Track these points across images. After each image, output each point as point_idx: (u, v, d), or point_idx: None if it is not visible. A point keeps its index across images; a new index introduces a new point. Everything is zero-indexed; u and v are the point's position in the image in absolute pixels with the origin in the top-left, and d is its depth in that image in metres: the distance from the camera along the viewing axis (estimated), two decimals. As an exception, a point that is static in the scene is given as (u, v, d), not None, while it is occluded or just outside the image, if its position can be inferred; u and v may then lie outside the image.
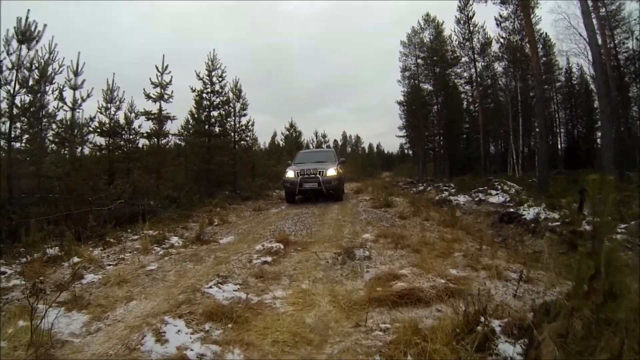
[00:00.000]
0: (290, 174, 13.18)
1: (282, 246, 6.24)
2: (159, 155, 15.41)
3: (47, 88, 11.00)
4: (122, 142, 14.85)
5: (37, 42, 9.54)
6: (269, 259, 5.64)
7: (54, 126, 11.53)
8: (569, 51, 31.69)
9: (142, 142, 15.48)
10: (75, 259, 6.33)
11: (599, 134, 35.55)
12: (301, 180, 12.81)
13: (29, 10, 9.10)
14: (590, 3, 14.66)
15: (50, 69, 10.84)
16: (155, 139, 15.32)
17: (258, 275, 4.92)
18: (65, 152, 11.97)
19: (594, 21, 16.21)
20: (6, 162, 9.43)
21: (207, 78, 16.61)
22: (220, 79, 16.68)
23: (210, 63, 16.48)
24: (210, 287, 4.53)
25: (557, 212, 10.22)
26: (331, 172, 12.89)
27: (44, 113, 10.76)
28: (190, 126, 17.33)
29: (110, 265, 6.17)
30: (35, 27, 9.42)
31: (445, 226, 7.86)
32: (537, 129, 19.25)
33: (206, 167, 16.07)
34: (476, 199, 14.75)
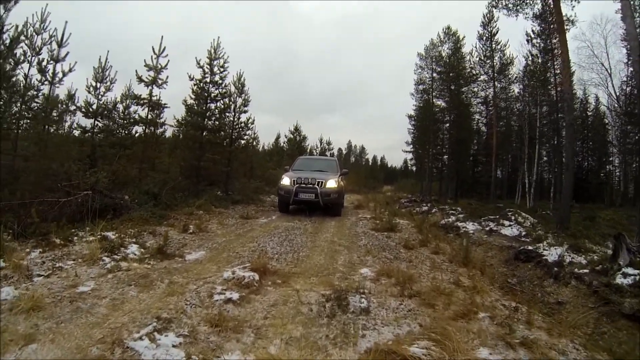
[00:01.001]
0: (285, 181, 11.98)
1: (257, 277, 4.86)
2: (151, 145, 14.19)
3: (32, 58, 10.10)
4: (113, 126, 13.73)
5: (16, 3, 8.64)
6: (235, 295, 4.30)
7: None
8: (588, 81, 30.58)
9: (137, 129, 14.33)
10: None
11: (611, 167, 34.44)
12: (297, 190, 11.58)
13: None
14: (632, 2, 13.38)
15: (39, 39, 10.10)
16: (150, 127, 14.08)
17: (214, 322, 3.60)
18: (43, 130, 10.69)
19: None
20: None
21: (208, 67, 15.05)
22: (221, 69, 15.25)
23: (212, 51, 15.00)
24: (141, 337, 3.28)
25: (583, 255, 9.02)
26: (331, 184, 11.68)
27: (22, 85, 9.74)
28: (185, 117, 15.91)
29: (40, 276, 4.95)
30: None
31: (459, 264, 6.53)
32: (564, 158, 17.91)
33: (196, 164, 14.72)
34: (487, 228, 13.41)
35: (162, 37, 13.48)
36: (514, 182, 31.00)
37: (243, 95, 16.86)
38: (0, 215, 7.25)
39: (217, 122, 15.56)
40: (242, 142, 18.23)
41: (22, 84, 9.99)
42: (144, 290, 4.51)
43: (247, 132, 17.72)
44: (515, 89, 30.61)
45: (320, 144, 38.82)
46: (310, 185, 11.52)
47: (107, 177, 10.63)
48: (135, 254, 6.09)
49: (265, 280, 4.94)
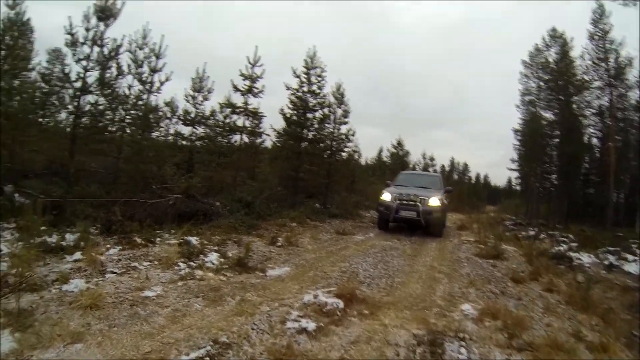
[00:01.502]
0: (386, 196, 11.28)
1: (341, 305, 4.22)
2: (250, 154, 14.28)
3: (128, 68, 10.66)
4: (212, 134, 13.96)
5: (115, 19, 9.13)
6: (312, 324, 3.69)
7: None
8: None
9: (236, 138, 14.37)
10: (77, 256, 5.38)
11: None
12: (398, 206, 10.85)
13: None
14: None
15: (141, 53, 10.84)
16: (250, 136, 14.18)
17: (279, 356, 3.06)
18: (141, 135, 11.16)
19: None
20: (70, 135, 8.62)
21: (305, 76, 14.60)
22: (319, 78, 14.77)
23: (309, 60, 14.70)
24: (190, 360, 2.82)
25: None
26: (434, 201, 10.83)
27: (120, 93, 10.23)
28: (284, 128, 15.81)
29: (113, 273, 4.96)
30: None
31: (577, 307, 5.37)
32: None
33: (294, 175, 14.45)
34: (605, 261, 11.58)
35: (256, 47, 13.54)
36: (633, 206, 27.10)
37: (343, 105, 16.09)
38: (94, 210, 7.51)
39: (316, 133, 15.18)
40: (344, 154, 17.54)
41: (125, 93, 10.60)
42: (211, 305, 4.10)
43: (348, 144, 17.04)
44: (635, 95, 26.43)
45: (423, 160, 37.48)
46: (412, 203, 10.76)
47: (201, 182, 10.73)
48: (213, 263, 5.76)
49: (351, 309, 4.26)
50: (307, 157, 14.80)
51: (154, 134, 12.05)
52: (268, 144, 15.29)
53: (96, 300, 3.78)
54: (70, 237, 6.07)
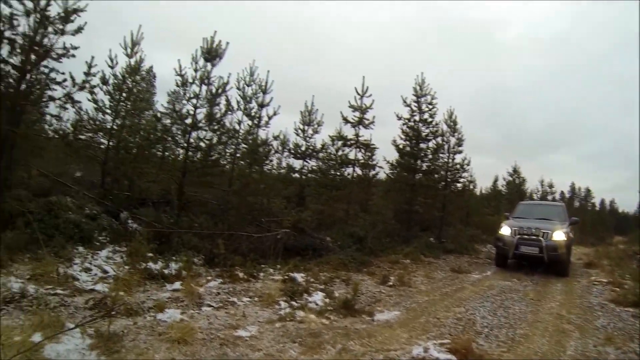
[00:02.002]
0: (505, 230, 10.25)
1: (454, 361, 3.57)
2: (363, 187, 13.95)
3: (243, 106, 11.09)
4: (324, 167, 13.88)
5: (220, 59, 9.39)
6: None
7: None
8: None
9: (348, 171, 14.19)
10: (177, 285, 5.42)
11: None
12: (518, 242, 9.78)
13: (215, 31, 9.24)
14: None
15: (249, 89, 11.12)
16: (362, 169, 13.93)
17: None
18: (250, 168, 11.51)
19: None
20: (182, 168, 9.09)
21: (415, 105, 13.89)
22: (430, 106, 13.95)
23: (417, 87, 13.91)
24: None
25: None
26: (559, 235, 9.57)
27: (229, 127, 10.50)
28: (397, 159, 15.26)
29: (210, 306, 4.87)
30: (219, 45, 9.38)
31: None
32: None
33: (407, 208, 13.78)
34: None
35: (363, 77, 13.32)
36: None
37: (456, 133, 15.31)
38: (200, 241, 7.66)
39: (430, 164, 14.40)
40: (458, 185, 16.42)
41: (234, 128, 10.84)
42: (308, 353, 3.68)
43: (463, 175, 16.00)
44: None
45: (541, 187, 34.14)
46: (534, 237, 9.64)
47: (312, 216, 10.56)
48: (317, 304, 5.36)
49: (464, 369, 3.59)
50: (422, 189, 14.02)
51: (265, 167, 12.19)
52: (381, 176, 14.82)
53: (186, 334, 3.63)
54: (173, 266, 6.14)
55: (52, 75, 7.66)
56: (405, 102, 13.93)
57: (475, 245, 15.16)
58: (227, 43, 9.30)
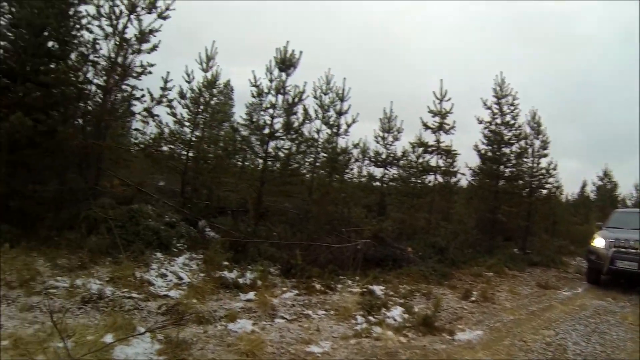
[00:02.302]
0: (599, 242, 9.26)
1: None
2: (445, 195, 13.43)
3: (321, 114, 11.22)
4: (405, 175, 13.57)
5: (295, 68, 9.48)
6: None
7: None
8: None
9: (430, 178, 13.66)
10: (250, 296, 5.39)
11: None
12: (614, 255, 8.72)
13: (288, 41, 9.29)
14: None
15: (327, 97, 11.23)
16: (443, 176, 13.31)
17: None
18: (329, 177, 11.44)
19: None
20: (260, 177, 9.28)
21: (496, 107, 13.14)
22: (511, 107, 13.14)
23: (497, 88, 13.20)
24: None
25: None
26: None
27: (308, 137, 10.61)
28: (478, 165, 14.41)
29: (283, 319, 4.78)
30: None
31: None
32: None
33: (490, 217, 13.06)
34: None
35: (441, 80, 12.72)
36: None
37: (540, 136, 14.20)
38: (277, 251, 7.66)
39: (514, 169, 13.55)
40: (544, 191, 15.17)
41: (313, 137, 10.92)
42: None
43: (549, 180, 14.82)
44: None
45: (636, 192, 30.82)
46: (632, 250, 8.60)
47: (392, 225, 10.25)
48: (395, 320, 5.07)
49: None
50: (505, 197, 13.23)
51: (345, 176, 12.21)
52: (463, 183, 14.19)
53: (255, 347, 3.55)
54: (249, 276, 6.15)
55: (133, 92, 8.18)
56: (485, 104, 13.23)
57: (562, 257, 13.97)
58: (301, 52, 9.36)
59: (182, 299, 4.65)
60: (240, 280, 5.89)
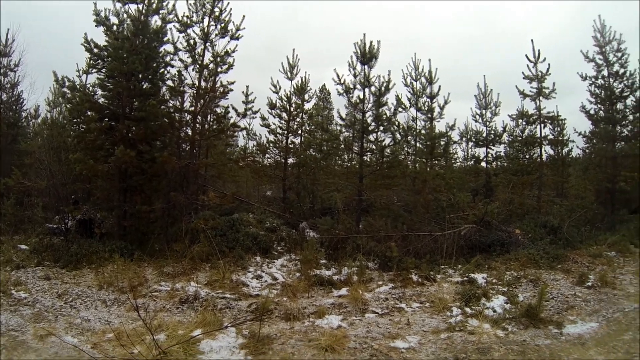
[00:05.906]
0: None
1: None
2: (556, 168, 12.49)
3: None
4: (510, 151, 13.07)
5: (376, 59, 9.55)
6: None
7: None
8: None
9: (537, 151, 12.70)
10: (343, 292, 5.42)
11: None
12: None
13: (364, 34, 9.42)
14: None
15: (417, 84, 11.24)
16: (551, 147, 12.45)
17: None
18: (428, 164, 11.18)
19: None
20: (357, 173, 9.57)
21: (600, 57, 11.32)
22: (618, 55, 11.22)
23: (598, 35, 11.32)
24: None
25: None
26: None
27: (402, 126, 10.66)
28: (589, 131, 12.63)
29: (374, 313, 4.68)
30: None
31: None
32: None
33: (609, 187, 11.29)
34: None
35: (532, 40, 11.59)
36: None
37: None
38: (376, 245, 7.61)
39: (632, 127, 11.50)
40: None
41: (409, 125, 10.99)
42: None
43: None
44: None
45: None
46: None
47: (499, 207, 9.65)
48: (494, 311, 4.65)
49: None
50: (626, 161, 11.30)
51: (448, 162, 12.20)
52: (576, 152, 13.09)
53: (337, 342, 3.59)
54: (345, 271, 6.20)
55: (218, 110, 9.11)
56: (586, 56, 11.51)
57: None
58: (379, 41, 9.38)
59: (272, 298, 4.89)
60: (335, 277, 5.99)
